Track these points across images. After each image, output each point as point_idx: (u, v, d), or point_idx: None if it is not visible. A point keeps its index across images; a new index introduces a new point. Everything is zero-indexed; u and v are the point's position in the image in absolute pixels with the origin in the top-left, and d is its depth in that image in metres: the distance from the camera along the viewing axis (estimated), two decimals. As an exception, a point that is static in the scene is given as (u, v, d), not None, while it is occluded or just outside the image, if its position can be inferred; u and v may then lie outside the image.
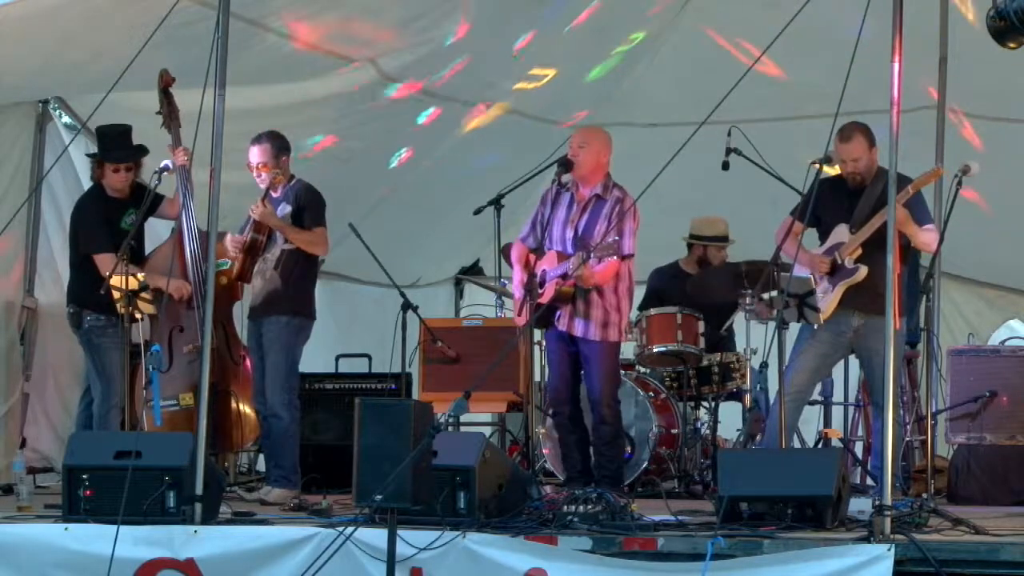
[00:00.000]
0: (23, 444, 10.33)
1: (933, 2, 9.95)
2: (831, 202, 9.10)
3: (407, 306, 10.72)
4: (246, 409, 9.79)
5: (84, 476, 7.99)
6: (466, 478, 7.75)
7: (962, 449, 9.66)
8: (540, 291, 9.28)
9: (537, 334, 9.97)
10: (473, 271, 13.83)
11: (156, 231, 10.30)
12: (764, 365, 8.83)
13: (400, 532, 7.22)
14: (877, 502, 7.26)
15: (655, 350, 10.48)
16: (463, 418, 8.73)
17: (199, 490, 7.83)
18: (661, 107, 12.10)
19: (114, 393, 9.55)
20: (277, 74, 10.32)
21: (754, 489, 7.53)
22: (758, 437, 10.35)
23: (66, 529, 7.86)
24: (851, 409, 11.30)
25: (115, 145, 9.69)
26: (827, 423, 10.99)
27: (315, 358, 10.63)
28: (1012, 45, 8.11)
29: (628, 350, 10.52)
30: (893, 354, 7.38)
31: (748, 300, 10.03)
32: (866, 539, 7.09)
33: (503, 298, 11.55)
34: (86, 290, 9.51)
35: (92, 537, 7.75)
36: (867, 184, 9.06)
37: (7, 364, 10.53)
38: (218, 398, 9.46)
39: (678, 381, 10.61)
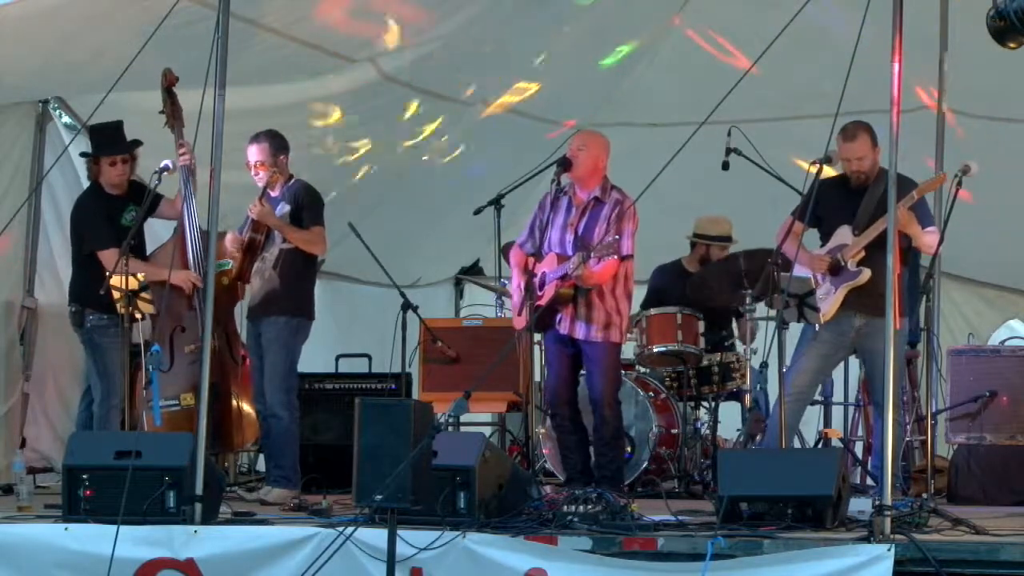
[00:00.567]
0: (23, 444, 10.33)
1: (933, 2, 9.97)
2: (833, 203, 9.09)
3: (407, 306, 10.72)
4: (246, 409, 9.79)
5: (84, 476, 7.99)
6: (466, 478, 7.75)
7: (962, 449, 9.66)
8: (539, 293, 9.29)
9: (537, 335, 9.97)
10: (473, 271, 13.83)
11: (156, 231, 10.29)
12: (764, 365, 8.83)
13: (400, 532, 7.22)
14: (877, 502, 7.26)
15: (655, 350, 10.48)
16: (463, 418, 8.73)
17: (199, 490, 7.83)
18: (661, 107, 12.10)
19: (114, 393, 9.54)
20: (277, 74, 10.32)
21: (754, 489, 7.53)
22: (758, 437, 10.35)
23: (66, 529, 7.86)
24: (851, 409, 11.30)
25: (108, 139, 9.68)
26: (827, 423, 10.99)
27: (315, 358, 10.63)
28: (1012, 45, 8.11)
29: (628, 350, 10.52)
30: (894, 354, 7.39)
31: (748, 301, 10.07)
32: (866, 539, 7.09)
33: (503, 298, 11.55)
34: (88, 289, 9.50)
35: (92, 537, 7.75)
36: (870, 184, 9.05)
37: (7, 364, 10.53)
38: (218, 398, 9.45)
39: (678, 381, 10.61)
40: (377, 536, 7.31)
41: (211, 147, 8.17)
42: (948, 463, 9.83)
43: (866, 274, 8.95)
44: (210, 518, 7.89)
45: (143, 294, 9.32)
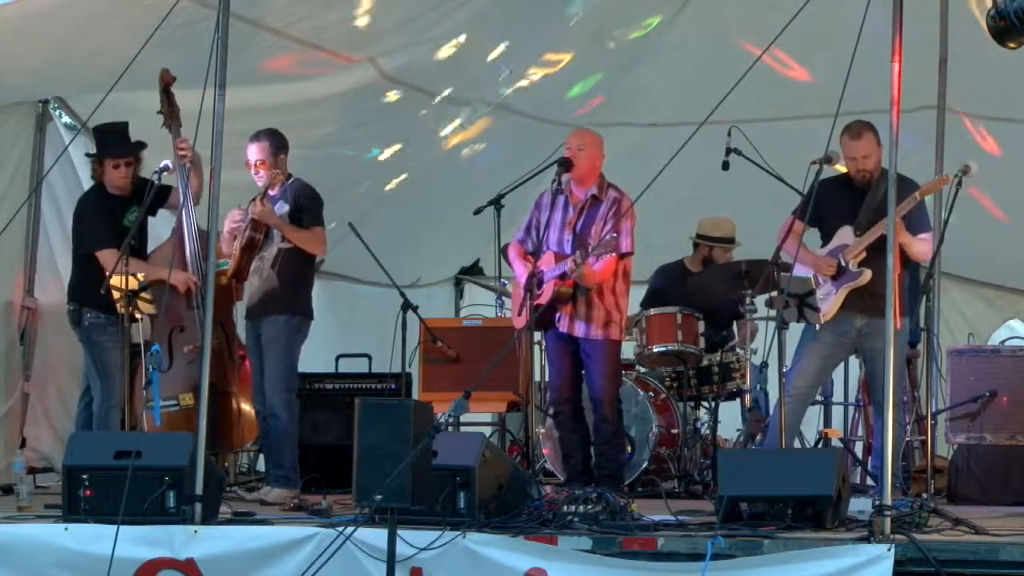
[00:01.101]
0: (23, 444, 10.32)
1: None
2: (834, 203, 9.09)
3: (407, 306, 10.72)
4: (246, 409, 9.78)
5: (84, 476, 7.99)
6: (466, 478, 7.75)
7: (962, 449, 9.66)
8: (538, 292, 9.29)
9: (537, 334, 9.97)
10: (473, 271, 13.84)
11: (156, 231, 10.29)
12: (764, 365, 8.84)
13: (400, 532, 7.22)
14: (877, 502, 7.26)
15: (655, 350, 10.48)
16: (463, 418, 8.72)
17: (199, 490, 7.83)
18: (661, 107, 12.11)
19: (114, 393, 9.54)
20: (277, 74, 10.32)
21: (754, 489, 7.53)
22: (758, 437, 10.36)
23: (66, 529, 7.85)
24: (851, 409, 11.31)
25: (113, 141, 9.68)
26: (827, 423, 11.00)
27: (315, 358, 10.63)
28: (1012, 45, 8.11)
29: (628, 350, 10.53)
30: (894, 354, 7.38)
31: (748, 302, 10.07)
32: (866, 539, 7.09)
33: (503, 298, 11.55)
34: (86, 288, 9.50)
35: (92, 537, 7.75)
36: (872, 184, 9.05)
37: (7, 364, 10.52)
38: (218, 398, 9.45)
39: (678, 381, 10.61)
40: (377, 536, 7.31)
41: (211, 147, 8.17)
42: (948, 463, 9.83)
43: (867, 275, 8.94)
44: (210, 518, 7.89)
45: (143, 294, 9.31)
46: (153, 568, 7.69)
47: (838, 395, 11.22)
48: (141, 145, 9.74)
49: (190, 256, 9.61)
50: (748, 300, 10.10)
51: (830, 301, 9.05)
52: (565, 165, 9.36)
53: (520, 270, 9.47)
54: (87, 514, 7.92)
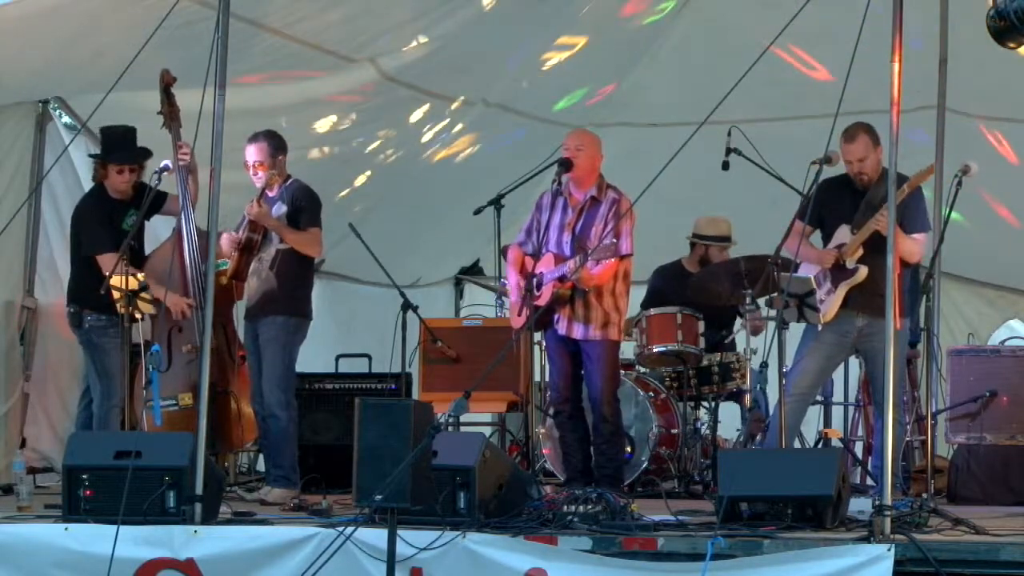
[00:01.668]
0: (23, 444, 10.33)
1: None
2: (835, 203, 9.10)
3: (407, 306, 10.72)
4: (246, 409, 9.78)
5: (84, 476, 7.98)
6: (466, 478, 7.74)
7: (962, 449, 9.66)
8: (537, 293, 9.29)
9: (537, 335, 9.97)
10: (473, 271, 13.84)
11: (156, 232, 10.29)
12: (764, 365, 8.82)
13: (400, 532, 7.22)
14: (877, 502, 7.26)
15: (655, 350, 10.47)
16: (463, 418, 8.72)
17: (199, 490, 7.83)
18: (661, 107, 12.11)
19: (114, 393, 9.54)
20: (277, 74, 10.32)
21: (754, 489, 7.52)
22: (758, 437, 10.35)
23: (66, 529, 7.85)
24: (851, 409, 11.31)
25: (119, 146, 9.69)
26: (827, 423, 11.00)
27: (315, 358, 10.63)
28: (1012, 45, 8.11)
29: (628, 350, 10.53)
30: (894, 354, 7.38)
31: (748, 301, 10.07)
32: (866, 539, 7.08)
33: (503, 298, 11.55)
34: (86, 290, 9.50)
35: (92, 537, 7.75)
36: (873, 184, 9.05)
37: (7, 364, 10.52)
38: (218, 398, 9.45)
39: (678, 381, 10.61)
40: (377, 536, 7.31)
41: (211, 147, 8.17)
42: (948, 463, 9.83)
43: (863, 271, 8.94)
44: (210, 518, 7.89)
45: (143, 294, 9.31)
46: (153, 568, 7.68)
47: (838, 395, 11.22)
48: (147, 153, 9.74)
49: (189, 258, 9.60)
50: (748, 300, 10.09)
51: (830, 301, 9.04)
52: (565, 165, 9.36)
53: (513, 280, 9.48)
54: (87, 514, 7.92)
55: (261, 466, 10.63)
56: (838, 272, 9.05)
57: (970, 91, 10.81)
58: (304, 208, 9.47)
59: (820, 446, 10.43)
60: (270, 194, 9.53)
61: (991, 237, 11.88)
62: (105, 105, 8.88)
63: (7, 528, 7.98)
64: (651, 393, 10.40)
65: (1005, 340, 12.17)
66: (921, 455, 9.64)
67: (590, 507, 7.61)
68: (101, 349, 9.61)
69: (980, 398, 9.43)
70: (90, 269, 9.56)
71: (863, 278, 8.94)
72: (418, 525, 7.43)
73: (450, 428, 9.06)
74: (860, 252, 8.98)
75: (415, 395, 10.68)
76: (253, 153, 9.49)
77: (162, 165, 9.38)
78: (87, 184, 10.14)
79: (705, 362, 10.54)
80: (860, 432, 11.00)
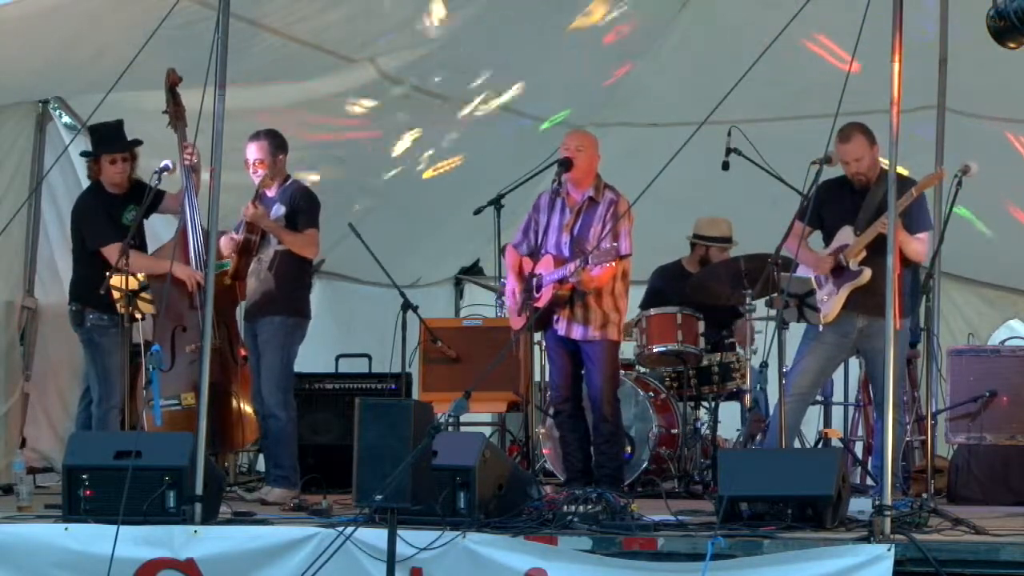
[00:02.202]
0: (23, 444, 10.33)
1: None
2: (835, 204, 9.09)
3: (407, 306, 10.72)
4: (247, 409, 9.78)
5: (84, 476, 7.99)
6: (466, 478, 7.75)
7: (962, 449, 9.66)
8: (537, 295, 9.30)
9: (537, 335, 9.97)
10: (473, 271, 13.84)
11: (156, 231, 10.29)
12: (764, 365, 8.82)
13: (400, 532, 7.22)
14: (877, 502, 7.26)
15: (655, 350, 10.47)
16: (463, 418, 8.73)
17: (199, 490, 7.83)
18: (661, 107, 12.10)
19: (114, 393, 9.53)
20: (277, 74, 10.32)
21: (754, 489, 7.53)
22: (758, 437, 10.35)
23: (66, 529, 7.85)
24: (851, 409, 11.31)
25: (109, 138, 9.67)
26: (827, 423, 11.00)
27: (315, 358, 10.63)
28: (1012, 45, 8.11)
29: (628, 350, 10.53)
30: (894, 354, 7.38)
31: (748, 301, 10.07)
32: (866, 539, 7.09)
33: (503, 298, 11.54)
34: (88, 288, 9.49)
35: (92, 537, 7.75)
36: (872, 184, 9.04)
37: (7, 364, 10.52)
38: (219, 398, 9.44)
39: (678, 381, 10.61)
40: (377, 536, 7.31)
41: (211, 147, 8.17)
42: (948, 463, 9.83)
43: (867, 273, 8.94)
44: (210, 518, 7.89)
45: (143, 294, 9.31)
46: (153, 568, 7.69)
47: (838, 395, 11.22)
48: (137, 142, 9.73)
49: (194, 255, 9.59)
50: (748, 300, 10.10)
51: (832, 302, 9.04)
52: (565, 165, 9.36)
53: (511, 284, 9.48)
54: (87, 514, 7.92)
55: (261, 466, 10.63)
56: (840, 273, 9.04)
57: (970, 91, 10.81)
58: (302, 209, 9.46)
59: (820, 446, 10.42)
60: (269, 195, 9.53)
61: (1008, 239, 11.86)
62: (105, 105, 8.88)
63: (7, 528, 7.98)
64: (651, 393, 10.40)
65: (1005, 340, 12.17)
66: (921, 455, 9.64)
67: (590, 507, 7.61)
68: (102, 348, 9.61)
69: (980, 398, 9.43)
70: (92, 267, 9.55)
71: (866, 280, 8.93)
72: (418, 525, 7.43)
73: (450, 428, 9.06)
74: (863, 254, 8.98)
75: (415, 395, 10.68)
76: (254, 151, 9.49)
77: (163, 165, 9.36)
78: (87, 184, 10.13)
79: (705, 362, 10.54)
80: (860, 432, 11.00)
